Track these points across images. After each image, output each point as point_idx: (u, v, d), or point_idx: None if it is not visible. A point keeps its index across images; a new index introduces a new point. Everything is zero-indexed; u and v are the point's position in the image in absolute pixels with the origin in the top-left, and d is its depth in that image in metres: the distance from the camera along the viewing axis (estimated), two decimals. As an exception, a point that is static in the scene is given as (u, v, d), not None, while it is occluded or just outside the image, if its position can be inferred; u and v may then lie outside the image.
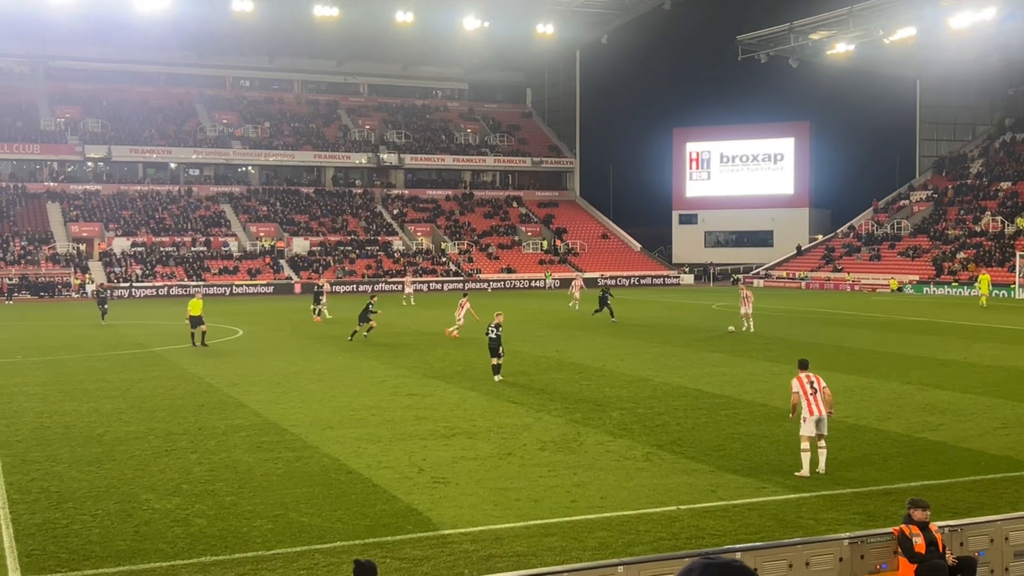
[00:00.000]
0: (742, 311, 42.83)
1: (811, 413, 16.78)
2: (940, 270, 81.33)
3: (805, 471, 16.69)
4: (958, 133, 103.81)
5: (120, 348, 37.61)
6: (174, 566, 12.43)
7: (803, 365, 17.59)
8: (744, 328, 42.21)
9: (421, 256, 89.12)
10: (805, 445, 16.83)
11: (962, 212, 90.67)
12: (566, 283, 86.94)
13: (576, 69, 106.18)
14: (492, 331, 28.11)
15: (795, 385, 17.07)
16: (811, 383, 16.98)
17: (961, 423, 21.61)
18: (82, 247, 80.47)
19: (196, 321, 37.82)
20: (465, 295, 43.70)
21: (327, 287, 56.45)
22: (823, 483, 16.37)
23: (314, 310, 50.30)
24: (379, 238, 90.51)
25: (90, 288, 72.32)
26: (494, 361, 28.07)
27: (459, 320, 40.52)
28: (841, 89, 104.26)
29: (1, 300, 69.43)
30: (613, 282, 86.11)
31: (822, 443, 16.96)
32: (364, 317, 39.55)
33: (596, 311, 49.21)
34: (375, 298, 42.01)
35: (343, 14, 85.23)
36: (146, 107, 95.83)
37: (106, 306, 50.01)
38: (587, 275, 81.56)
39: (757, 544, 12.13)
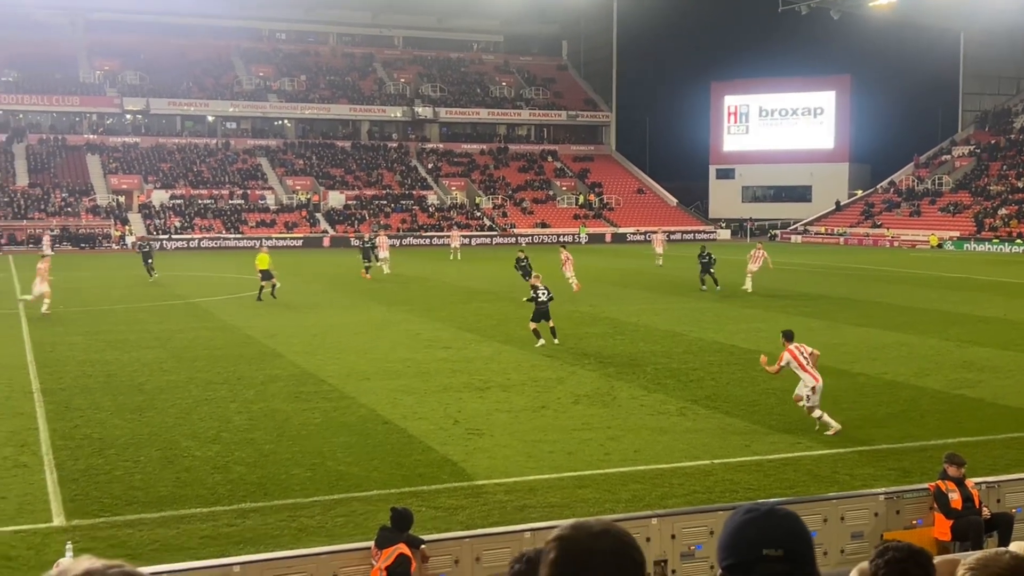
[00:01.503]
0: (749, 267, 40.54)
1: (816, 380, 16.64)
2: (981, 226, 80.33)
3: (835, 426, 16.52)
4: (1002, 87, 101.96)
5: (160, 299, 38.02)
6: (214, 512, 12.64)
7: (788, 336, 17.34)
8: (743, 286, 40.27)
9: (455, 210, 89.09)
10: (817, 412, 16.65)
11: (1005, 168, 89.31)
12: (597, 238, 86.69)
13: (613, 21, 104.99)
14: (543, 293, 26.04)
15: (786, 357, 16.79)
16: (801, 353, 16.80)
17: (1000, 380, 21.45)
18: (121, 199, 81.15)
19: (267, 275, 37.09)
20: (564, 246, 44.16)
21: (384, 241, 51.69)
22: (859, 439, 16.34)
23: (366, 267, 46.98)
24: (414, 192, 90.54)
25: (130, 240, 73.01)
26: (551, 323, 26.10)
27: (570, 278, 39.87)
28: (883, 42, 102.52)
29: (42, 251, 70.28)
30: (641, 237, 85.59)
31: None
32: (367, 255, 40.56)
33: (702, 284, 40.74)
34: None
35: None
36: (184, 60, 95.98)
37: (151, 261, 46.24)
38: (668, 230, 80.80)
39: (792, 498, 12.17)
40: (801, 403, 16.89)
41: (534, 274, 28.30)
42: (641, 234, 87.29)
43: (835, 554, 10.40)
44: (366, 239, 51.70)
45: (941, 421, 17.67)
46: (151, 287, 42.79)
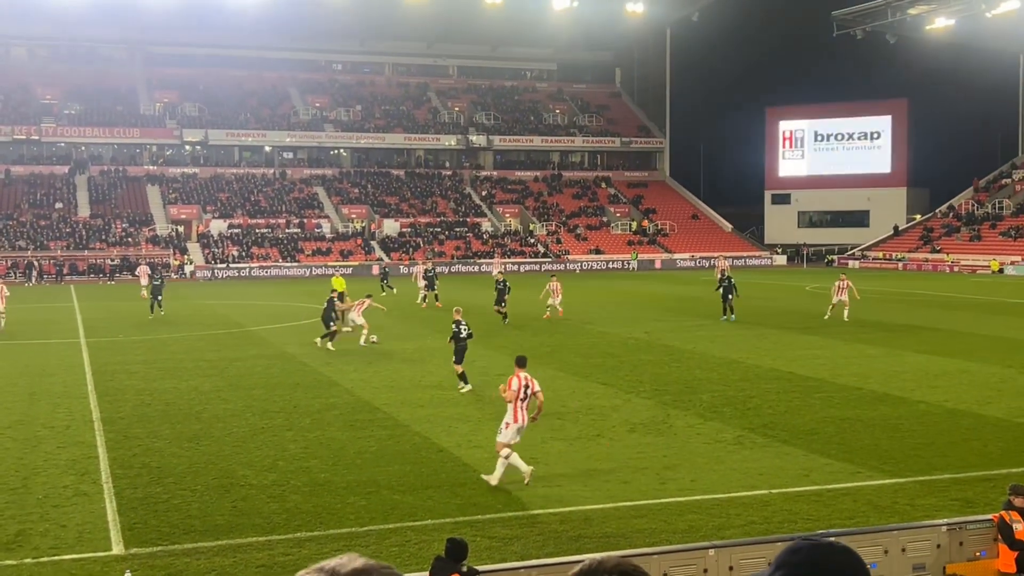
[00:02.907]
0: (838, 299, 39.61)
1: (515, 420, 15.26)
2: (1044, 251, 78.86)
3: (496, 478, 15.01)
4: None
5: (217, 327, 38.46)
6: (270, 541, 12.71)
7: (520, 363, 15.93)
8: (825, 316, 39.53)
9: (509, 237, 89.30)
10: (505, 451, 15.12)
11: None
12: (646, 265, 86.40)
13: (666, 47, 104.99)
14: (464, 330, 23.80)
15: (514, 383, 15.37)
16: (526, 387, 15.37)
17: (1065, 408, 20.98)
18: (180, 229, 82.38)
19: (342, 297, 37.88)
20: (553, 276, 43.50)
21: (421, 269, 51.77)
22: (919, 468, 16.04)
23: (423, 297, 47.34)
24: (468, 219, 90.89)
25: (188, 269, 73.89)
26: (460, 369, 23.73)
27: (552, 304, 40.40)
28: (940, 65, 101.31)
29: (104, 280, 71.46)
30: (707, 264, 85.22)
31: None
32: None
33: (723, 313, 39.96)
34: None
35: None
36: (241, 91, 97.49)
37: (160, 297, 42.46)
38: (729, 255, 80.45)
39: (852, 529, 11.97)
40: (501, 438, 15.31)
41: (455, 308, 25.37)
42: (695, 259, 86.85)
43: (897, 587, 10.20)
44: (428, 268, 51.35)
45: (1004, 450, 17.30)
46: (209, 315, 43.26)
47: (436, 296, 47.15)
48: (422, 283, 48.60)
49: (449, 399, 22.32)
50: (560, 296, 40.86)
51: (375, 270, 69.36)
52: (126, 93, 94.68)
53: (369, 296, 35.19)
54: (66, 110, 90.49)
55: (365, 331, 32.88)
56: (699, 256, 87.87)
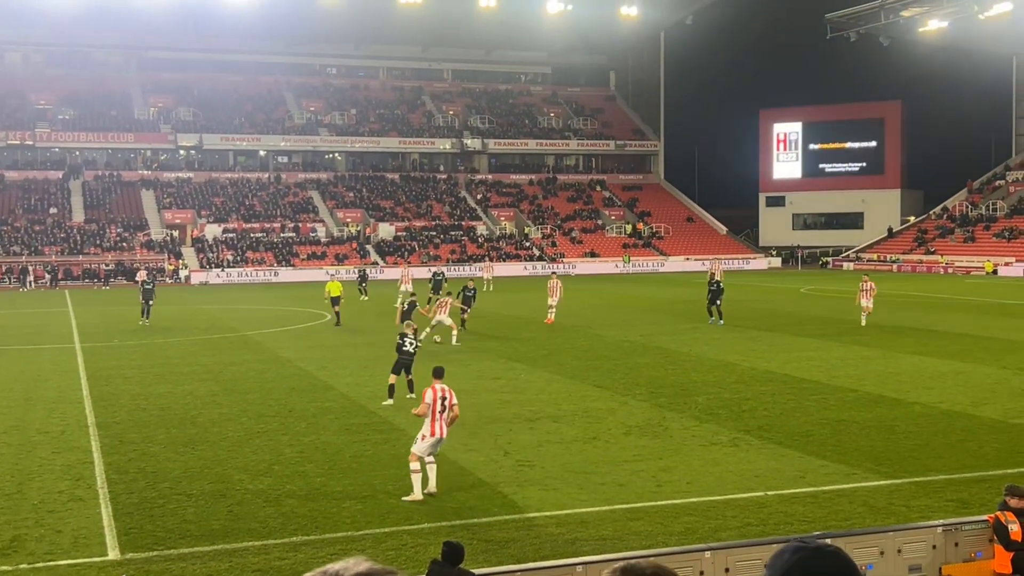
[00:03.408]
0: (863, 303, 38.04)
1: (432, 433, 14.78)
2: (1038, 252, 79.03)
3: (417, 494, 14.55)
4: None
5: (212, 332, 38.43)
6: (266, 545, 12.69)
7: (437, 374, 15.51)
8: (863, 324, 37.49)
9: (504, 241, 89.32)
10: (415, 465, 14.68)
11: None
12: (640, 266, 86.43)
13: (660, 51, 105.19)
14: (410, 344, 22.75)
15: (428, 396, 14.90)
16: (443, 399, 14.88)
17: (1060, 409, 21.01)
18: (175, 233, 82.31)
19: (336, 301, 39.97)
20: (554, 274, 43.19)
21: (407, 275, 51.21)
22: (915, 470, 16.06)
23: (428, 299, 45.54)
24: (463, 223, 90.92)
25: (183, 274, 73.85)
26: (411, 376, 22.85)
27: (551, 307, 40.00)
28: (934, 67, 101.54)
29: (98, 286, 71.38)
30: (702, 265, 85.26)
31: (431, 458, 14.96)
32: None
33: (711, 316, 39.71)
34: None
35: (427, 0, 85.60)
36: (236, 96, 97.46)
37: (151, 302, 41.55)
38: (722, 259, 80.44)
39: (847, 531, 11.98)
40: (415, 449, 14.88)
41: (407, 323, 24.27)
42: (694, 261, 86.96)
43: (893, 588, 10.21)
44: (437, 272, 51.11)
45: (999, 451, 17.33)
46: (204, 319, 43.24)
47: (429, 299, 46.48)
48: (408, 287, 47.81)
49: (445, 403, 22.27)
50: (557, 296, 40.23)
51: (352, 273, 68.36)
52: (120, 98, 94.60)
53: (449, 294, 36.30)
54: (60, 115, 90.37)
55: (455, 332, 33.73)
56: (694, 258, 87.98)
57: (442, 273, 50.89)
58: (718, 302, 39.26)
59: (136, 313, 42.21)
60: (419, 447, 14.83)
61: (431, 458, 14.89)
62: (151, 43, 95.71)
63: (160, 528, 13.46)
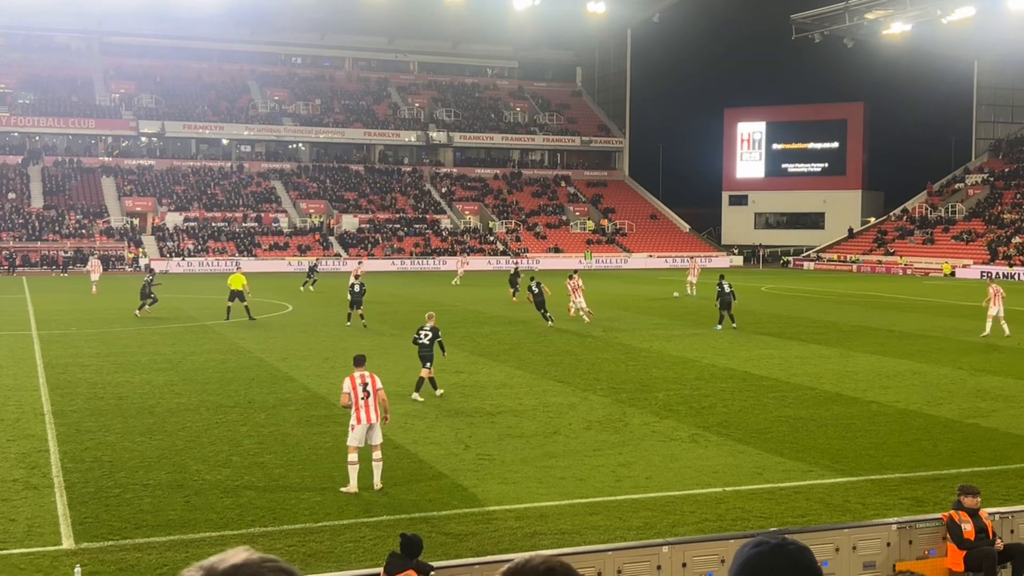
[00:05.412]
0: (994, 312, 34.35)
1: (359, 421, 14.59)
2: (995, 255, 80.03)
3: (352, 487, 14.48)
4: (1016, 115, 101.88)
5: (172, 321, 38.10)
6: (223, 536, 12.62)
7: (358, 362, 15.33)
8: (983, 333, 34.37)
9: (469, 235, 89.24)
10: (352, 456, 14.59)
11: (1018, 196, 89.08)
12: (603, 263, 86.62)
13: (627, 48, 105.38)
14: (425, 336, 22.32)
15: (346, 385, 14.82)
16: (364, 385, 14.71)
17: (1013, 409, 21.31)
18: (135, 221, 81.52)
19: (236, 295, 38.08)
20: (572, 275, 39.99)
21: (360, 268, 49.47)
22: (871, 468, 16.23)
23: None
24: (427, 216, 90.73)
25: (143, 262, 73.12)
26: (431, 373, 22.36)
27: (580, 307, 38.34)
28: (896, 70, 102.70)
29: (56, 272, 70.57)
30: (667, 263, 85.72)
31: (376, 454, 14.76)
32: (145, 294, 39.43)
33: (720, 322, 36.60)
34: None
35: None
36: (199, 83, 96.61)
37: (153, 294, 40.26)
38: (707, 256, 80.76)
39: (803, 528, 12.09)
40: (349, 441, 14.80)
41: (428, 313, 23.85)
42: (656, 259, 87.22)
43: (847, 585, 10.31)
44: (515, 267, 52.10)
45: (954, 450, 17.55)
46: (164, 309, 42.83)
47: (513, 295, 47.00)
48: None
49: (404, 395, 22.25)
50: (577, 295, 38.27)
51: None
52: (82, 83, 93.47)
53: (576, 272, 40.38)
54: (20, 99, 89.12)
55: (590, 313, 37.79)
56: (657, 255, 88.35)
57: (517, 266, 53.86)
58: (731, 305, 36.24)
59: (96, 301, 41.69)
60: (350, 437, 14.74)
61: (378, 454, 14.79)
62: (114, 28, 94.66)
63: (116, 518, 13.33)
